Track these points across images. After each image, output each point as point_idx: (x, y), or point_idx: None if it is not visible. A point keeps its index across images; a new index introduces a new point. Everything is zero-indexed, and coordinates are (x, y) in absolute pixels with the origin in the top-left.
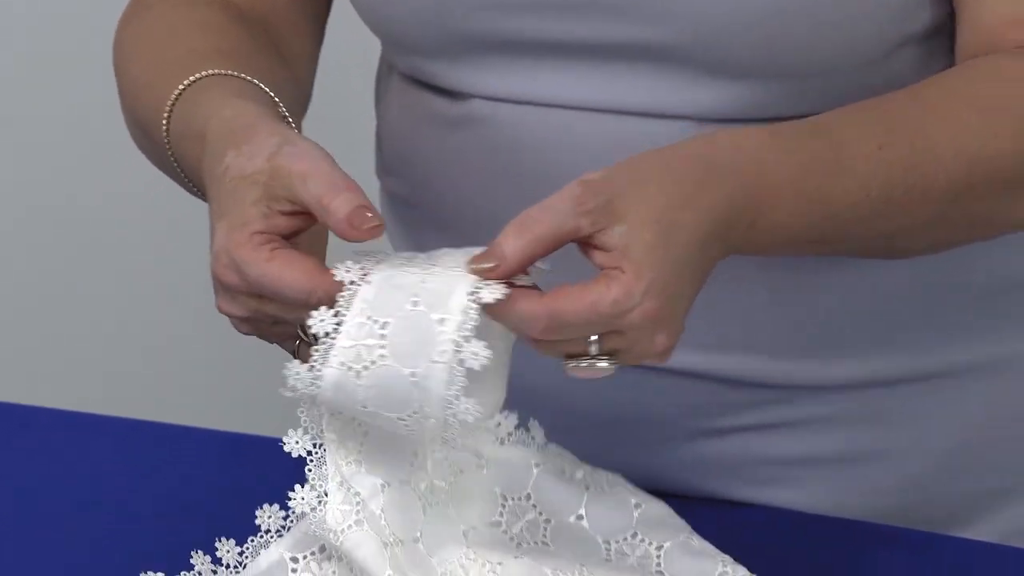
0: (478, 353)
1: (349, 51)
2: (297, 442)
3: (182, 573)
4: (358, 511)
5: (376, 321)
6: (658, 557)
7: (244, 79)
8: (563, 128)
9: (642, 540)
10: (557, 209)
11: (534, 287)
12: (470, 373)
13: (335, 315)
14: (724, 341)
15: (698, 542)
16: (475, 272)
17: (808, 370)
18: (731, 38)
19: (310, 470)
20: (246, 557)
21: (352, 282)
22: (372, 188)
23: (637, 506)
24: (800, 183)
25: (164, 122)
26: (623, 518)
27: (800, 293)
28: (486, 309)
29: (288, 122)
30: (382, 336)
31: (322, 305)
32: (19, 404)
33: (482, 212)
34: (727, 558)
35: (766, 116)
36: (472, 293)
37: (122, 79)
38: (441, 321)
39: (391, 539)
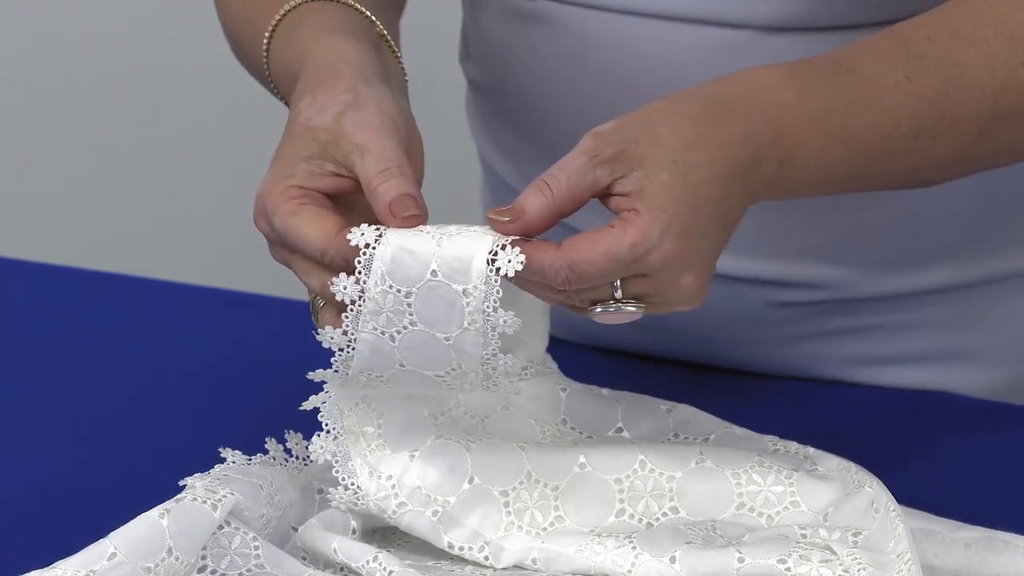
0: (508, 321)
1: None
2: (322, 447)
3: (258, 455)
4: (396, 494)
5: (400, 291)
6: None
7: (339, 3)
8: (628, 34)
9: (685, 438)
10: (573, 167)
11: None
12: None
13: (356, 282)
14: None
15: (739, 430)
16: (491, 223)
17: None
18: None
19: (337, 470)
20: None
21: (368, 245)
22: (455, 74)
23: (669, 411)
24: (824, 120)
25: (264, 58)
26: (659, 422)
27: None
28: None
29: (387, 41)
30: (409, 305)
31: (335, 266)
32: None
33: (553, 106)
34: (773, 437)
35: (829, 25)
36: (491, 260)
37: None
38: (464, 292)
39: (439, 506)
